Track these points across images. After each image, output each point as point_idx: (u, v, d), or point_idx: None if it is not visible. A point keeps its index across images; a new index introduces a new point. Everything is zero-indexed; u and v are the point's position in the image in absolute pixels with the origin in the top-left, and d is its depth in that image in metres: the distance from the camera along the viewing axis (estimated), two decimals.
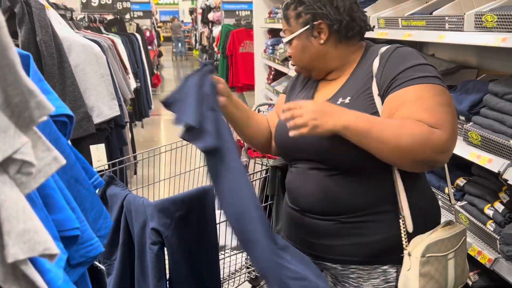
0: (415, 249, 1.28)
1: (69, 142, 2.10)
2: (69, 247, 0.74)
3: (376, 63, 1.31)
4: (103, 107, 2.10)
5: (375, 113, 1.27)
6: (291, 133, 1.21)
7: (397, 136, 1.17)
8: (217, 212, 1.89)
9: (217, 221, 1.81)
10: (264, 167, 2.14)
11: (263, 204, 2.00)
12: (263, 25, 5.42)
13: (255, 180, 2.14)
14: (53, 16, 2.05)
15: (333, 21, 1.35)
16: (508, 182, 1.58)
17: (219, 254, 2.38)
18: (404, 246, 1.30)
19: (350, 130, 1.19)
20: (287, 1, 1.42)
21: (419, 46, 2.78)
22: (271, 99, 5.10)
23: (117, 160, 2.10)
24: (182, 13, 25.76)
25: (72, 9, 2.78)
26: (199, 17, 15.33)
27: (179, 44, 18.37)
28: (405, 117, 1.20)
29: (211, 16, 12.77)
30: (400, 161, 1.22)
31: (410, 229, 1.29)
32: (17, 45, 1.93)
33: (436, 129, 1.18)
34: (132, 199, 1.67)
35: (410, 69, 1.25)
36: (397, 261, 1.32)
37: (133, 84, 4.24)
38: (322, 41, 1.38)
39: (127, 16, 7.36)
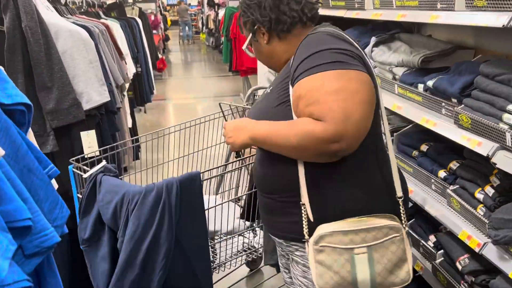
0: (313, 236, 1.31)
1: (59, 128, 2.08)
2: (22, 238, 0.73)
3: (292, 58, 1.39)
4: (92, 93, 2.09)
5: (287, 101, 1.35)
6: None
7: (287, 139, 1.27)
8: (206, 198, 1.90)
9: (206, 207, 1.83)
10: None
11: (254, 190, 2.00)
12: None
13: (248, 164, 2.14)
14: (40, 2, 2.03)
15: (263, 22, 1.46)
16: (496, 165, 1.55)
17: (214, 238, 2.41)
18: (304, 232, 1.34)
19: (255, 140, 1.38)
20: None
21: (417, 27, 2.72)
22: None
23: (108, 146, 2.11)
24: None
25: None
26: (206, 0, 15.21)
27: (186, 28, 18.26)
28: (300, 113, 1.28)
29: None
30: (300, 157, 1.32)
31: (311, 217, 1.33)
32: (2, 32, 1.93)
33: (320, 122, 1.20)
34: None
35: (308, 59, 1.28)
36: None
37: (133, 69, 4.22)
38: (265, 42, 1.50)
39: (130, 0, 7.31)
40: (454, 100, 1.87)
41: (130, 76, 4.01)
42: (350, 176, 1.36)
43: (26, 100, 0.83)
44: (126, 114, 3.71)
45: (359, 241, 1.28)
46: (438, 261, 1.99)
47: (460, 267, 1.79)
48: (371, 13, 2.38)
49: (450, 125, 1.82)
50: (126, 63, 3.52)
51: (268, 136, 1.33)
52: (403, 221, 1.37)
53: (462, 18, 1.68)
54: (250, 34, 1.51)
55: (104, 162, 1.79)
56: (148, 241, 1.57)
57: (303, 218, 1.34)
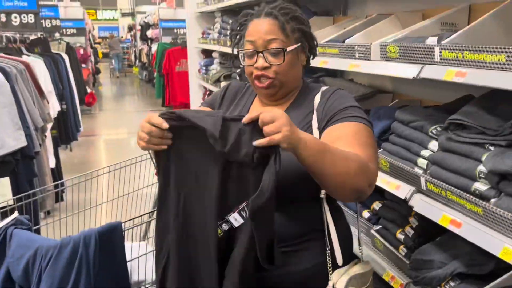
0: (339, 281, 1.31)
1: None
2: None
3: (317, 99, 1.38)
4: (6, 138, 1.96)
5: None
6: (257, 142, 1.10)
7: (346, 161, 1.17)
8: (129, 247, 1.82)
9: (130, 258, 1.75)
10: None
11: None
12: (197, 45, 5.39)
13: None
14: None
15: (313, 47, 1.43)
16: (414, 208, 1.62)
17: None
18: (330, 277, 1.32)
19: (308, 147, 1.13)
20: (272, 10, 1.35)
21: (340, 71, 2.85)
22: None
23: (23, 194, 1.97)
24: (122, 29, 25.29)
25: None
26: (138, 34, 15.10)
27: (117, 60, 18.01)
28: (343, 148, 1.21)
29: (149, 33, 12.62)
30: (343, 187, 1.18)
31: (340, 261, 1.33)
32: None
33: (369, 163, 1.23)
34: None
35: (349, 108, 1.33)
36: None
37: (57, 107, 4.05)
38: (304, 63, 1.42)
39: (57, 34, 7.09)
40: None
41: (54, 114, 3.83)
42: (344, 216, 1.45)
43: None
44: (48, 154, 3.52)
45: (364, 283, 1.34)
46: None
47: None
48: None
49: None
50: (48, 102, 3.36)
51: (325, 150, 1.15)
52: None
53: (378, 68, 1.78)
54: (297, 44, 1.36)
55: (16, 214, 1.66)
56: None
57: (328, 262, 1.32)
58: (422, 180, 1.57)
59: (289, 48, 1.34)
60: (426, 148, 1.63)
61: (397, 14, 2.13)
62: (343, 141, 1.24)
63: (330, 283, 1.31)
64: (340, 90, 1.42)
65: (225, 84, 1.65)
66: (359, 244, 1.51)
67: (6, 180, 1.92)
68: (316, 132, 1.33)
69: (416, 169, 1.64)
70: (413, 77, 1.53)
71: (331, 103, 1.35)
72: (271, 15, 1.35)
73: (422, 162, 1.63)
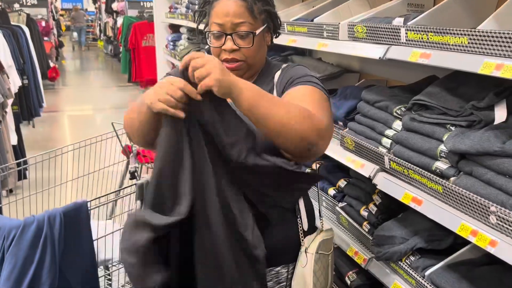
0: (311, 246, 1.37)
1: None
2: None
3: (277, 75, 1.40)
4: None
5: None
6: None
7: (287, 109, 1.16)
8: (95, 225, 1.80)
9: (96, 236, 1.73)
10: None
11: None
12: (164, 20, 5.27)
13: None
14: None
15: (277, 26, 1.43)
16: (377, 186, 1.66)
17: (109, 267, 2.29)
18: (302, 243, 1.38)
19: (247, 92, 1.13)
20: None
21: (308, 50, 2.85)
22: None
23: None
24: (86, 1, 24.40)
25: None
26: (103, 7, 14.60)
27: (82, 34, 17.49)
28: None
29: (115, 6, 12.21)
30: (286, 136, 1.17)
31: (306, 227, 1.38)
32: None
33: (317, 115, 1.23)
34: None
35: (305, 76, 1.36)
36: (291, 260, 1.39)
37: (18, 82, 3.91)
38: (269, 43, 1.43)
39: (16, 5, 6.78)
40: (340, 123, 1.98)
41: (15, 89, 3.70)
42: (307, 197, 1.46)
43: None
44: (9, 130, 3.41)
45: (330, 248, 1.42)
46: None
47: (349, 282, 1.89)
48: None
49: (337, 146, 1.92)
50: (8, 77, 3.23)
51: (263, 96, 1.16)
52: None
53: (345, 47, 1.79)
54: (264, 26, 1.36)
55: None
56: (28, 280, 1.44)
57: (300, 229, 1.37)
58: (386, 159, 1.61)
59: (257, 31, 1.34)
60: (390, 127, 1.66)
61: None
62: (295, 100, 1.24)
63: (302, 248, 1.37)
64: (300, 65, 1.44)
65: None
66: (320, 216, 1.54)
67: None
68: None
69: (381, 148, 1.68)
70: (379, 57, 1.55)
71: (288, 74, 1.38)
72: None
73: (386, 142, 1.67)
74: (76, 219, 1.58)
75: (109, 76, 12.02)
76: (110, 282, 2.29)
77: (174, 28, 5.31)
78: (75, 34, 17.69)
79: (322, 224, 1.48)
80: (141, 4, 9.79)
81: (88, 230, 1.62)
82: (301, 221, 1.38)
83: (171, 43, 5.12)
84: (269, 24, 1.39)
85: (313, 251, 1.36)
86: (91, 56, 16.48)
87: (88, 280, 1.65)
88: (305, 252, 1.36)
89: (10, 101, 3.26)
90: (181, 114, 1.12)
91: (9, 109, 3.46)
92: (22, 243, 1.46)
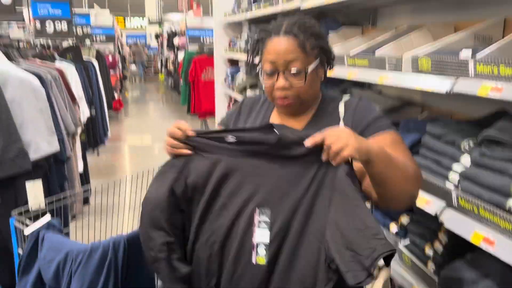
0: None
1: (3, 179, 1.98)
2: None
3: (342, 109, 1.39)
4: (41, 142, 2.01)
5: None
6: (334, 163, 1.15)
7: (405, 168, 1.24)
8: None
9: None
10: None
11: None
12: (223, 54, 5.44)
13: None
14: None
15: (331, 60, 1.41)
16: (444, 224, 1.59)
17: None
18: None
19: (372, 152, 1.15)
20: (293, 24, 1.33)
21: (367, 83, 2.83)
22: None
23: (54, 197, 2.02)
24: (149, 37, 25.72)
25: (18, 40, 2.69)
26: (165, 42, 15.32)
27: (141, 67, 19.05)
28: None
29: (176, 41, 12.77)
30: (402, 193, 1.24)
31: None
32: None
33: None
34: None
35: (380, 118, 1.36)
36: None
37: (87, 113, 4.14)
38: (322, 79, 1.42)
39: (87, 41, 7.26)
40: None
41: (84, 119, 3.92)
42: None
43: None
44: (77, 158, 3.60)
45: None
46: None
47: None
48: None
49: None
50: (79, 108, 3.44)
51: (387, 155, 1.19)
52: None
53: (408, 80, 1.76)
54: (316, 61, 1.34)
55: (48, 216, 1.70)
56: None
57: None
58: (454, 195, 1.54)
59: (310, 68, 1.32)
60: (457, 162, 1.60)
61: (428, 26, 2.11)
62: (390, 150, 1.25)
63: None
64: (364, 99, 1.43)
65: (242, 99, 1.64)
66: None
67: (39, 183, 1.97)
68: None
69: (448, 184, 1.61)
70: (447, 91, 1.51)
71: (360, 112, 1.37)
72: (291, 33, 1.31)
73: (454, 177, 1.60)
74: (139, 246, 1.61)
75: (169, 108, 12.47)
76: None
77: (233, 62, 5.46)
78: (132, 66, 19.05)
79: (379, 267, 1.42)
80: (201, 39, 10.17)
81: None
82: None
83: (230, 77, 5.26)
84: (322, 58, 1.37)
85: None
86: (152, 89, 17.21)
87: None
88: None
89: (79, 130, 3.45)
90: (187, 152, 1.25)
91: (77, 138, 3.66)
92: (88, 267, 1.51)
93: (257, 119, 1.50)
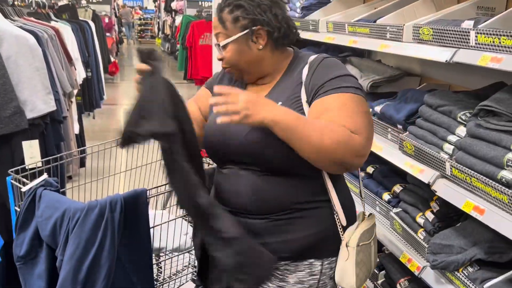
0: (351, 240, 1.41)
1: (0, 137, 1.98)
2: None
3: (305, 71, 1.40)
4: (37, 101, 2.00)
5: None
6: (220, 120, 1.25)
7: (321, 136, 1.24)
8: (153, 213, 1.86)
9: (152, 225, 1.79)
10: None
11: None
12: None
13: None
14: None
15: (273, 28, 1.41)
16: (437, 193, 1.61)
17: (160, 255, 2.36)
18: (341, 238, 1.42)
19: (279, 124, 1.24)
20: (221, 3, 1.43)
21: (367, 52, 2.81)
22: None
23: (51, 157, 2.02)
24: (146, 0, 25.24)
25: None
26: (163, 5, 15.04)
27: (128, 29, 19.28)
28: (330, 120, 1.29)
29: (174, 4, 12.54)
30: (320, 160, 1.29)
31: (344, 222, 1.42)
32: None
33: (355, 134, 1.28)
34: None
35: (336, 79, 1.34)
36: (326, 254, 1.43)
37: (83, 74, 4.10)
38: (260, 47, 1.42)
39: (84, 1, 7.11)
40: (400, 127, 1.94)
41: (80, 81, 3.88)
42: (345, 184, 1.52)
43: None
44: (73, 120, 3.59)
45: (371, 235, 1.48)
46: (380, 281, 2.04)
47: None
48: (324, 36, 2.44)
49: (395, 150, 1.88)
50: (75, 69, 3.40)
51: (296, 127, 1.24)
52: None
53: (409, 49, 1.75)
54: (241, 32, 1.38)
55: (45, 175, 1.71)
56: (89, 261, 1.51)
57: (339, 224, 1.41)
58: (447, 165, 1.56)
59: (224, 42, 1.39)
60: (453, 133, 1.61)
61: None
62: (330, 113, 1.29)
63: (343, 243, 1.42)
64: (328, 59, 1.41)
65: None
66: (363, 208, 1.58)
67: (36, 143, 1.97)
68: (306, 106, 1.37)
69: (442, 154, 1.63)
70: (446, 60, 1.51)
71: (318, 74, 1.37)
72: (219, 9, 1.41)
73: (448, 147, 1.62)
74: (135, 206, 1.64)
75: (166, 73, 12.33)
76: (161, 270, 2.36)
77: None
78: (123, 29, 19.06)
79: (364, 213, 1.51)
80: (200, 3, 9.99)
81: (146, 217, 1.68)
82: (338, 217, 1.41)
83: None
84: (250, 29, 1.38)
85: (354, 244, 1.40)
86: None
87: (143, 267, 1.71)
88: (346, 246, 1.41)
89: (75, 92, 3.42)
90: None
91: (73, 100, 3.63)
92: (85, 225, 1.53)
93: (234, 86, 1.55)
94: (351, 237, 1.41)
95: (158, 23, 17.04)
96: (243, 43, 1.40)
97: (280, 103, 1.37)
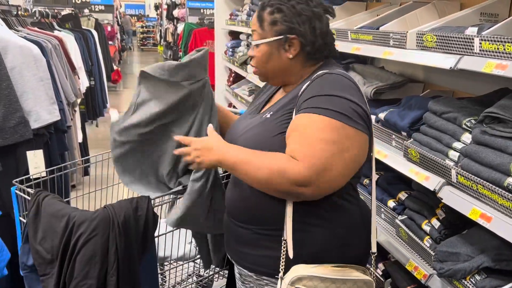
0: (288, 275, 1.28)
1: (4, 147, 1.99)
2: None
3: (306, 84, 1.34)
4: (41, 111, 2.01)
5: (286, 128, 1.31)
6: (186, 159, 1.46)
7: (257, 170, 1.25)
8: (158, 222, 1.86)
9: (157, 233, 1.79)
10: None
11: None
12: (224, 27, 5.38)
13: None
14: None
15: (307, 41, 1.37)
16: (443, 200, 1.61)
17: (164, 264, 2.35)
18: (280, 269, 1.30)
19: (222, 164, 1.35)
20: (264, 1, 1.39)
21: (370, 58, 2.81)
22: (230, 102, 5.07)
23: (55, 167, 2.02)
24: (148, 7, 25.38)
25: (17, 6, 2.65)
26: (164, 13, 15.11)
27: (128, 36, 19.57)
28: (288, 144, 1.27)
29: (176, 12, 12.61)
30: (266, 191, 1.30)
31: (291, 254, 1.29)
32: None
33: (296, 163, 1.20)
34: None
35: (318, 97, 1.26)
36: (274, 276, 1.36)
37: (86, 83, 4.11)
38: (291, 56, 1.39)
39: (86, 10, 7.14)
40: (404, 134, 1.94)
41: (83, 90, 3.89)
42: (335, 215, 1.35)
43: None
44: (77, 129, 3.59)
45: None
46: None
47: None
48: None
49: (400, 157, 1.88)
50: (79, 78, 3.41)
51: (237, 164, 1.29)
52: (372, 275, 1.39)
53: (413, 56, 1.75)
54: (275, 38, 1.36)
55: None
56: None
57: (282, 254, 1.30)
58: (453, 172, 1.56)
59: (257, 42, 1.38)
60: (458, 140, 1.61)
61: (434, 3, 2.09)
62: (291, 136, 1.27)
63: (280, 274, 1.29)
64: (329, 75, 1.31)
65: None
66: (373, 252, 1.44)
67: (40, 153, 1.98)
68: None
69: (447, 161, 1.62)
70: (450, 67, 1.50)
71: (310, 88, 1.31)
72: (260, 6, 1.39)
73: (454, 154, 1.61)
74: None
75: None
76: (165, 280, 2.35)
77: (234, 35, 5.40)
78: (125, 36, 19.45)
79: (370, 271, 1.38)
80: (202, 11, 10.03)
81: (152, 225, 1.67)
82: (286, 246, 1.28)
83: (230, 50, 5.21)
84: (285, 36, 1.35)
85: (287, 281, 1.25)
86: (150, 61, 17.05)
87: (148, 275, 1.71)
88: (281, 278, 1.28)
89: (78, 101, 3.43)
90: None
91: (77, 108, 3.64)
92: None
93: (267, 90, 1.60)
94: (292, 272, 1.27)
95: (160, 30, 17.11)
96: (275, 48, 1.38)
97: (271, 113, 1.38)
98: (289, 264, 1.30)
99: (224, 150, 1.35)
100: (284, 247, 1.29)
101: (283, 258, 1.30)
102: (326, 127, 1.22)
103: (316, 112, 1.24)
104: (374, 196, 1.50)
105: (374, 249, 1.42)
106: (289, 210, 1.30)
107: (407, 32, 1.78)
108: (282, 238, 1.30)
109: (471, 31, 1.54)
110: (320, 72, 1.35)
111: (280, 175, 1.21)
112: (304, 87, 1.33)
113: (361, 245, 1.42)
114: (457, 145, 1.60)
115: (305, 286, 1.24)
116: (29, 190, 1.75)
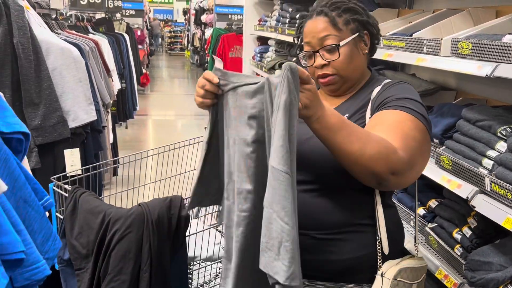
0: (389, 271, 1.31)
1: (43, 145, 2.06)
2: (13, 270, 0.73)
3: (376, 90, 1.37)
4: (79, 111, 2.08)
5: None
6: None
7: (363, 143, 1.14)
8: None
9: (188, 233, 1.82)
10: None
11: None
12: (253, 32, 5.43)
13: None
14: (33, 18, 2.03)
15: (374, 34, 1.41)
16: (475, 208, 1.59)
17: (192, 264, 2.39)
18: (378, 266, 1.33)
19: (322, 122, 1.12)
20: (324, 8, 1.38)
21: (400, 65, 2.80)
22: None
23: (90, 165, 2.09)
24: (176, 12, 25.75)
25: (57, 9, 2.75)
26: (192, 18, 15.31)
27: (158, 39, 20.09)
28: (380, 134, 1.19)
29: (204, 18, 12.76)
30: (354, 166, 1.17)
31: (386, 251, 1.33)
32: None
33: (399, 151, 1.17)
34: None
35: (403, 99, 1.29)
36: (365, 280, 1.35)
37: (118, 85, 4.21)
38: (366, 51, 1.42)
39: (118, 14, 7.31)
40: (436, 141, 1.93)
41: (115, 92, 3.99)
42: (395, 209, 1.44)
43: (25, 129, 0.83)
44: (109, 130, 3.68)
45: (415, 278, 1.37)
46: None
47: None
48: None
49: (431, 165, 1.87)
50: (112, 80, 3.51)
51: (340, 128, 1.13)
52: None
53: (447, 64, 1.74)
54: (354, 35, 1.36)
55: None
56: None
57: (378, 252, 1.33)
58: (487, 180, 1.54)
59: (342, 42, 1.35)
60: (493, 148, 1.60)
61: (470, 10, 2.08)
62: (383, 127, 1.21)
63: (379, 272, 1.32)
64: (404, 84, 1.37)
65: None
66: (415, 242, 1.51)
67: (77, 151, 2.04)
68: (369, 115, 1.33)
69: (481, 169, 1.61)
70: (487, 75, 1.50)
71: (387, 92, 1.33)
72: (322, 13, 1.37)
73: (488, 163, 1.60)
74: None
75: (194, 85, 12.53)
76: (191, 280, 2.39)
77: (262, 41, 5.45)
78: (152, 40, 19.94)
79: (417, 251, 1.44)
80: (229, 16, 10.13)
81: (182, 224, 1.71)
82: (381, 243, 1.32)
83: (258, 55, 5.26)
84: (361, 32, 1.38)
85: (391, 276, 1.30)
86: (178, 65, 17.28)
87: (178, 273, 1.74)
88: (381, 276, 1.31)
89: (111, 103, 3.52)
90: (207, 102, 1.19)
91: (109, 110, 3.73)
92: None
93: None
94: (389, 268, 1.32)
95: (188, 35, 17.33)
96: (354, 46, 1.38)
97: (347, 115, 1.36)
98: (372, 262, 1.34)
99: (328, 108, 1.15)
100: (379, 245, 1.33)
101: (379, 256, 1.33)
102: (416, 127, 1.24)
103: (407, 111, 1.25)
104: (416, 199, 1.57)
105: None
106: (380, 209, 1.34)
107: (441, 39, 1.77)
108: (376, 237, 1.33)
109: (508, 38, 1.53)
110: (389, 80, 1.40)
111: (384, 156, 1.14)
112: (375, 93, 1.35)
113: (401, 243, 1.46)
114: (492, 153, 1.59)
115: (403, 278, 1.33)
116: (66, 186, 1.81)
